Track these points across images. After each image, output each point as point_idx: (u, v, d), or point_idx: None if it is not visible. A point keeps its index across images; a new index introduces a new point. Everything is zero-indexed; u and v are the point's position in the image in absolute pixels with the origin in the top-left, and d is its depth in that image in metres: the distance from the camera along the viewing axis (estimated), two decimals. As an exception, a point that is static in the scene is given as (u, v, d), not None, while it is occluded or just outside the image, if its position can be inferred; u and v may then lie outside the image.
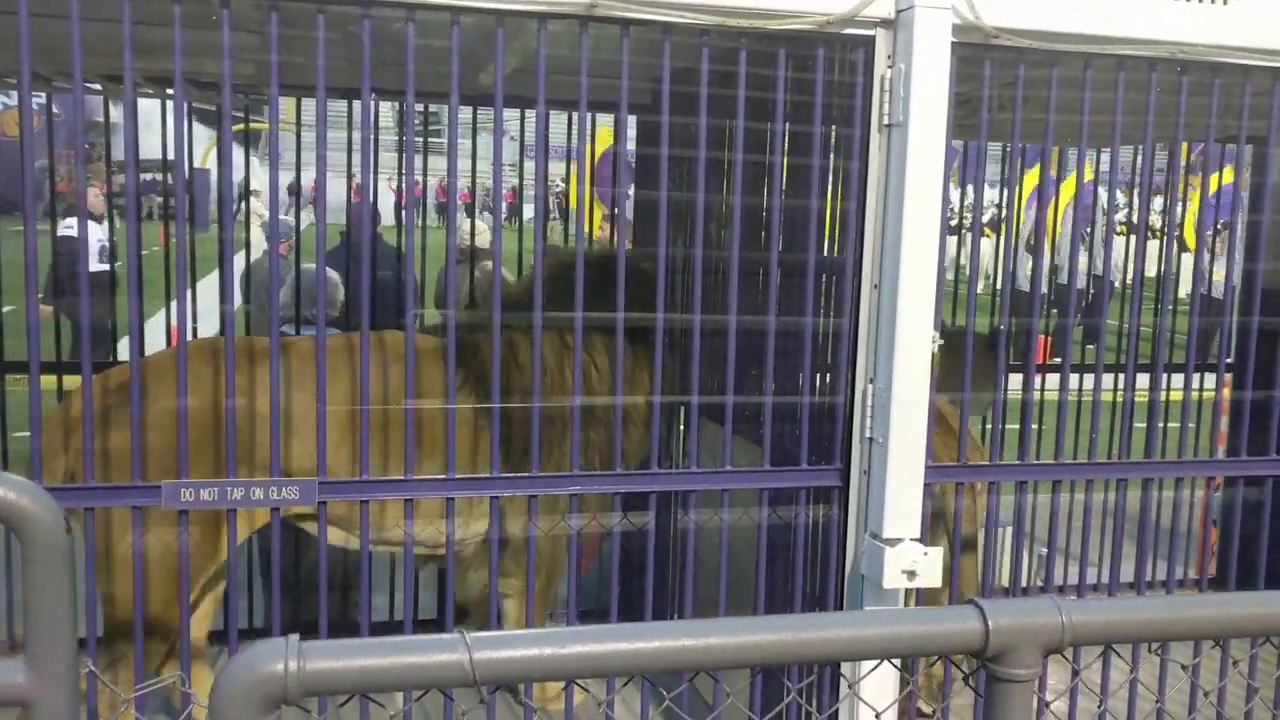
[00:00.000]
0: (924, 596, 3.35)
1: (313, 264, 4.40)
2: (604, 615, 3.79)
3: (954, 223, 5.69)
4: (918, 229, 2.94)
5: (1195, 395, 3.58)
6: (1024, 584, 4.45)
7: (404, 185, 2.98)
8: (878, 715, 2.08)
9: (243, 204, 7.61)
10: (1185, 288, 11.21)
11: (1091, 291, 8.51)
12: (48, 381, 3.84)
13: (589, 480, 3.11)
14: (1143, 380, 3.59)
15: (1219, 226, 9.22)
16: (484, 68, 3.92)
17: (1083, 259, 6.46)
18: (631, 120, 4.24)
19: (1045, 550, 3.62)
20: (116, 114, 4.64)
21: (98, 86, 4.44)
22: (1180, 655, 3.51)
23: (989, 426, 3.96)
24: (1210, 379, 4.99)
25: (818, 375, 3.33)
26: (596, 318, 3.06)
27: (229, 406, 2.88)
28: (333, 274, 5.60)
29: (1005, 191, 3.54)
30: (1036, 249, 3.51)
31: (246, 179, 5.62)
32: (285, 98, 4.35)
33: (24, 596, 1.45)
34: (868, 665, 1.91)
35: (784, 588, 3.33)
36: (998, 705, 1.60)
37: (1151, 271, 5.47)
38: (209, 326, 6.61)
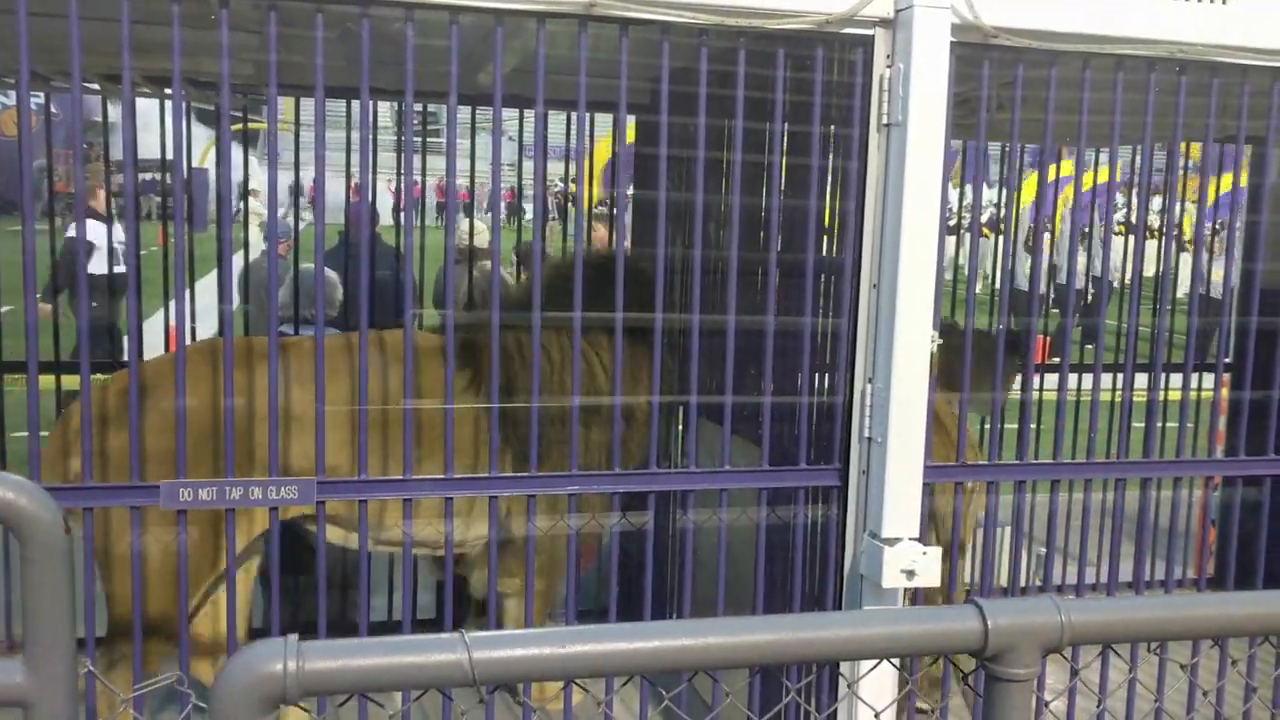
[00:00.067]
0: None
1: (311, 264, 4.41)
2: (603, 615, 3.79)
3: (952, 223, 5.70)
4: (916, 229, 2.94)
5: (1194, 395, 3.57)
6: (1023, 584, 4.45)
7: (402, 185, 2.97)
8: (877, 715, 2.08)
9: (241, 204, 7.61)
10: (1185, 288, 11.23)
11: (1091, 291, 8.52)
12: (46, 381, 3.84)
13: (588, 480, 3.11)
14: (1141, 380, 3.59)
15: (1217, 226, 9.23)
16: (483, 67, 3.92)
17: (1083, 259, 6.47)
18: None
19: (1044, 550, 3.62)
20: (115, 113, 4.64)
21: (96, 86, 4.44)
22: (1179, 655, 3.51)
23: (988, 426, 3.97)
24: (1209, 379, 4.99)
25: (817, 375, 3.33)
26: (601, 318, 3.06)
27: (228, 406, 2.88)
28: (331, 274, 5.60)
29: (1005, 191, 3.54)
30: (1035, 249, 3.51)
31: (246, 179, 5.62)
32: (284, 97, 4.35)
33: (22, 596, 1.44)
34: (867, 665, 1.91)
35: (783, 587, 3.33)
36: (997, 705, 1.60)
37: (1150, 271, 5.48)
38: (208, 326, 6.61)
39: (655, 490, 3.13)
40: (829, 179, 3.23)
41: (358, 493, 2.98)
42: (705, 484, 3.14)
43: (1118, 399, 3.52)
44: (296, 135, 5.00)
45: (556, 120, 4.56)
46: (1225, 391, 4.78)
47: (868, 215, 3.06)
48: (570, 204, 5.90)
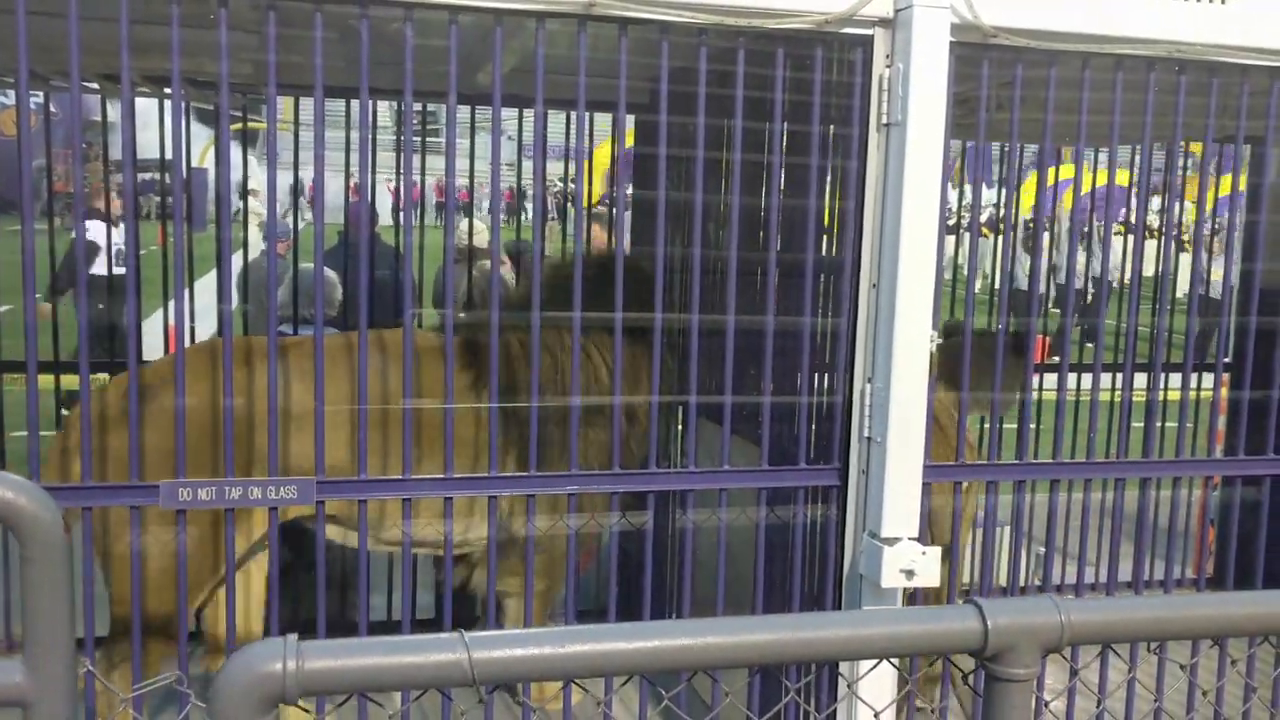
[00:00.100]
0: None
1: (310, 264, 4.41)
2: (602, 615, 3.79)
3: (952, 222, 5.70)
4: (916, 228, 2.94)
5: (1193, 395, 3.58)
6: (1022, 583, 4.45)
7: (402, 185, 2.97)
8: (876, 715, 2.08)
9: (241, 204, 7.61)
10: (1185, 288, 11.22)
11: (1091, 291, 8.52)
12: (45, 381, 3.84)
13: (587, 480, 3.11)
14: (1140, 380, 3.59)
15: (1215, 226, 9.22)
16: (482, 67, 3.92)
17: (1085, 259, 6.47)
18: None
19: (1043, 550, 3.62)
20: (114, 113, 4.64)
21: (95, 85, 4.44)
22: (1178, 655, 3.51)
23: (987, 426, 3.96)
24: (1208, 378, 4.99)
25: (816, 375, 3.33)
26: (604, 318, 3.06)
27: (227, 406, 2.88)
28: (330, 273, 5.60)
29: (1004, 191, 3.55)
30: (1034, 248, 3.51)
31: (245, 178, 5.62)
32: (283, 97, 4.35)
33: (22, 596, 1.44)
34: (866, 665, 1.91)
35: (782, 587, 3.33)
36: (996, 704, 1.60)
37: (1150, 271, 5.47)
38: (207, 326, 6.61)
39: (655, 490, 3.13)
40: (828, 179, 3.23)
41: (357, 492, 2.98)
42: (705, 484, 3.14)
43: (1117, 399, 3.53)
44: (296, 135, 5.00)
45: (556, 120, 4.56)
46: (1224, 391, 4.78)
47: (867, 215, 3.07)
48: (569, 203, 5.90)
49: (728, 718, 3.81)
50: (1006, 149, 3.79)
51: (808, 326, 3.21)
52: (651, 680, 1.70)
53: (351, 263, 5.76)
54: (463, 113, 4.85)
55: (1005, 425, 3.54)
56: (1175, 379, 3.68)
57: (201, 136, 9.46)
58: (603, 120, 4.71)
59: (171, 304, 4.38)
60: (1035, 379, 3.60)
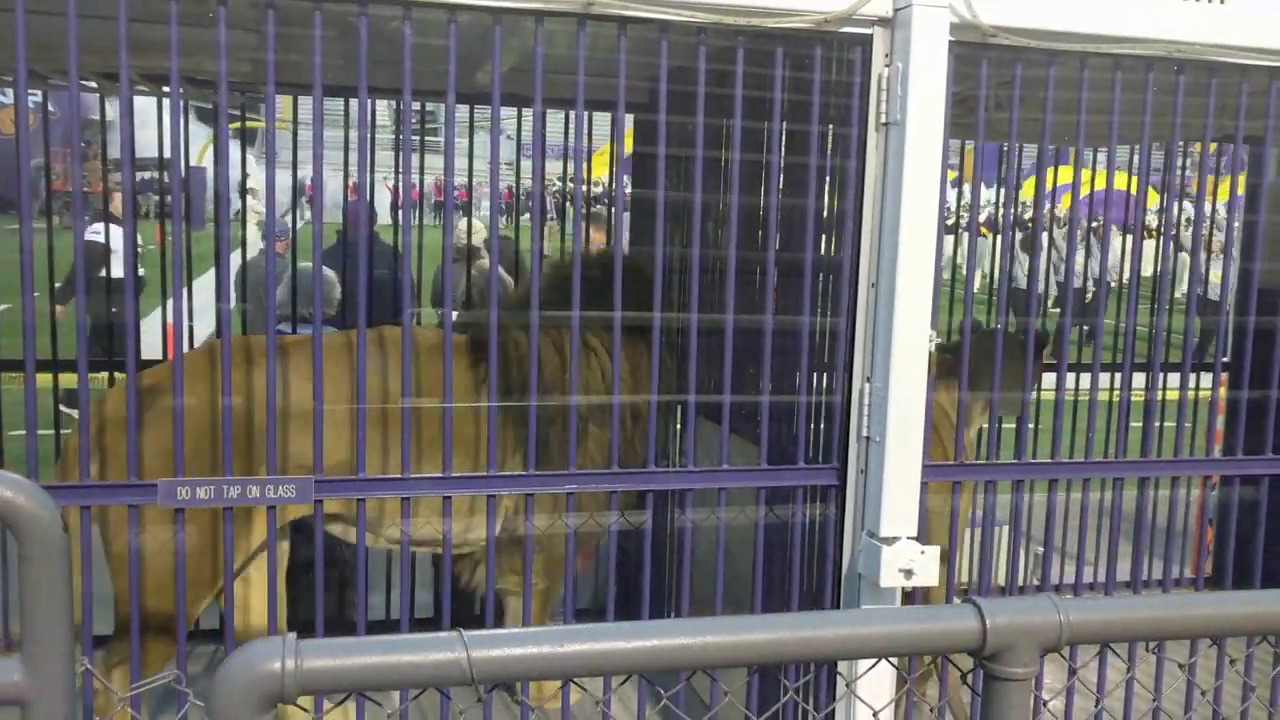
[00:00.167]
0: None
1: (309, 262, 4.41)
2: (601, 614, 3.79)
3: (951, 222, 5.70)
4: (915, 228, 2.94)
5: (1191, 394, 3.58)
6: (1020, 583, 4.46)
7: (401, 184, 2.98)
8: (875, 714, 2.08)
9: (240, 202, 7.62)
10: (1184, 287, 11.22)
11: (1090, 290, 8.52)
12: (44, 380, 3.83)
13: (585, 479, 3.11)
14: (1139, 379, 3.59)
15: (1214, 226, 9.22)
16: (481, 66, 3.92)
17: (1091, 260, 6.46)
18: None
19: (1042, 549, 3.62)
20: (113, 112, 4.64)
21: (94, 84, 4.44)
22: (1177, 654, 3.52)
23: (985, 425, 3.96)
24: (1207, 378, 5.00)
25: (815, 374, 3.33)
26: (607, 318, 3.06)
27: (225, 405, 2.87)
28: (329, 272, 5.60)
29: (1003, 191, 3.55)
30: (1034, 248, 3.51)
31: (244, 177, 5.63)
32: (282, 96, 4.35)
33: (20, 595, 1.44)
34: (865, 664, 1.91)
35: (781, 586, 3.33)
36: (995, 704, 1.60)
37: (1149, 271, 5.47)
38: (205, 325, 6.61)
39: (654, 489, 3.13)
40: (827, 178, 3.23)
41: (356, 491, 2.98)
42: (703, 483, 3.14)
43: (1116, 398, 3.53)
44: (295, 134, 5.00)
45: (555, 119, 4.56)
46: (1223, 391, 4.78)
47: (866, 214, 3.06)
48: (568, 202, 5.89)
49: (726, 717, 3.81)
50: (1005, 149, 3.79)
51: (807, 326, 3.21)
52: (650, 679, 1.70)
53: (350, 261, 5.76)
54: (461, 112, 4.85)
55: (1003, 425, 3.54)
56: (1174, 379, 3.69)
57: (200, 135, 9.47)
58: (602, 119, 4.72)
59: (170, 303, 4.38)
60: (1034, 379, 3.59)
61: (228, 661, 1.36)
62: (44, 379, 4.13)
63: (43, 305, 3.35)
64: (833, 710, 3.22)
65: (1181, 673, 3.41)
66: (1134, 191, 3.71)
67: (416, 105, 5.14)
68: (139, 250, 8.89)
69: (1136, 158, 3.95)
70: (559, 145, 4.82)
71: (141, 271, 8.80)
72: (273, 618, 3.05)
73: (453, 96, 2.85)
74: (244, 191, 6.21)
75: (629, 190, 5.06)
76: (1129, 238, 4.62)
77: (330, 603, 4.66)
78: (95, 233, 7.96)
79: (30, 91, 3.30)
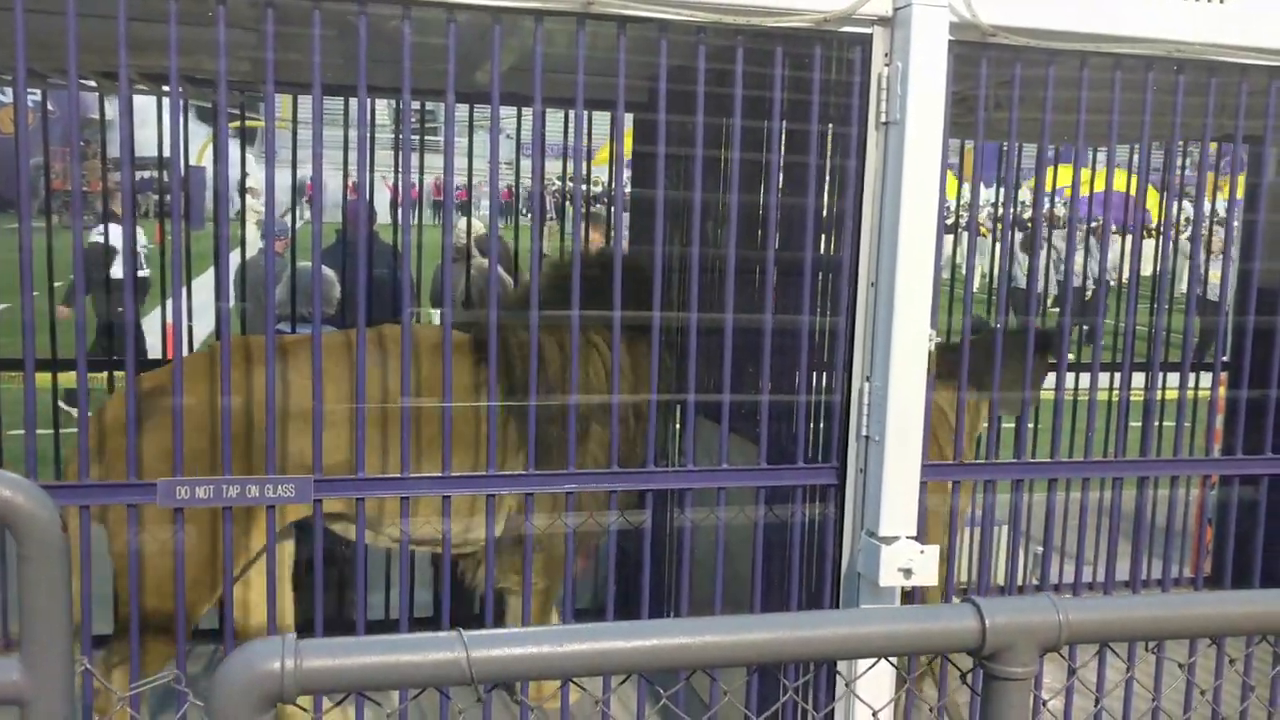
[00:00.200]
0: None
1: (308, 262, 4.41)
2: (600, 614, 3.79)
3: (950, 222, 5.69)
4: (914, 227, 2.94)
5: (1191, 394, 3.58)
6: (1020, 582, 4.46)
7: (400, 183, 2.97)
8: (875, 714, 2.08)
9: (239, 201, 7.63)
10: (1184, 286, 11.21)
11: (1090, 289, 8.51)
12: (43, 380, 3.83)
13: (585, 478, 3.11)
14: (1138, 379, 3.59)
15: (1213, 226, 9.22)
16: (480, 65, 3.92)
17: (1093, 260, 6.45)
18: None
19: (1041, 549, 3.63)
20: (112, 111, 4.63)
21: (93, 83, 4.44)
22: (1176, 654, 3.52)
23: (985, 425, 3.96)
24: (1206, 378, 5.00)
25: (814, 373, 3.33)
26: (610, 317, 3.06)
27: (225, 405, 2.87)
28: (328, 272, 5.61)
29: (1002, 191, 3.55)
30: (1033, 248, 3.51)
31: (243, 176, 5.63)
32: (281, 95, 4.34)
33: (19, 594, 1.44)
34: (864, 664, 1.91)
35: (780, 586, 3.33)
36: (994, 703, 1.60)
37: (1148, 270, 5.47)
38: (204, 324, 6.60)
39: (653, 489, 3.13)
40: (827, 177, 3.23)
41: (355, 491, 2.98)
42: (703, 482, 3.14)
43: (1115, 398, 3.53)
44: (294, 133, 5.00)
45: (554, 118, 4.56)
46: (1222, 390, 4.78)
47: (866, 213, 3.06)
48: (567, 202, 5.89)
49: (726, 716, 3.81)
50: (1005, 148, 3.79)
51: (806, 325, 3.21)
52: (650, 679, 1.70)
53: (349, 261, 5.76)
54: (461, 111, 4.85)
55: (1003, 424, 3.54)
56: (1173, 378, 3.69)
57: (199, 134, 9.47)
58: (601, 119, 4.72)
59: (169, 302, 4.38)
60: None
61: (227, 661, 1.36)
62: (51, 379, 4.13)
63: (42, 304, 3.35)
64: (832, 710, 3.22)
65: (1181, 672, 3.41)
66: (1133, 193, 3.71)
67: (416, 104, 5.14)
68: (145, 250, 8.91)
69: (1136, 157, 3.95)
70: (558, 145, 4.82)
71: (145, 271, 8.81)
72: (271, 617, 3.05)
73: (452, 96, 2.85)
74: (243, 191, 6.21)
75: (628, 190, 5.06)
76: (1129, 238, 4.62)
77: (336, 602, 4.68)
78: (100, 234, 7.97)
79: (29, 90, 3.30)
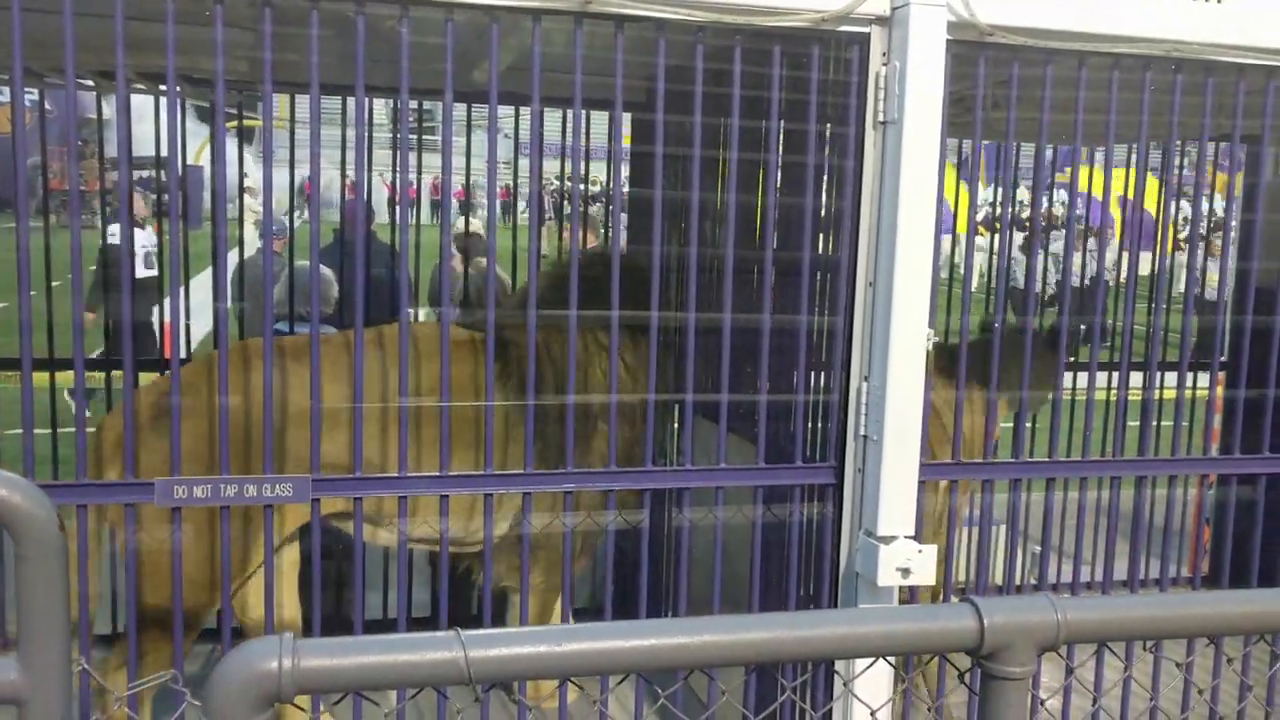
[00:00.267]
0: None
1: (305, 261, 4.40)
2: (598, 613, 3.79)
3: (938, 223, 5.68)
4: (912, 227, 2.94)
5: (1189, 393, 3.58)
6: (1018, 582, 4.47)
7: (398, 182, 2.98)
8: (873, 713, 2.08)
9: (238, 200, 7.62)
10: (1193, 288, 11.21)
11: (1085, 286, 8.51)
12: (41, 379, 3.83)
13: (583, 478, 3.11)
14: (1136, 378, 3.59)
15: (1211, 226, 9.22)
16: (478, 65, 3.92)
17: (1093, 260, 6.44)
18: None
19: (1039, 548, 3.63)
20: (110, 110, 4.63)
21: (90, 83, 4.43)
22: (1174, 653, 3.52)
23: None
24: (1204, 377, 5.00)
25: (812, 373, 3.33)
26: (614, 317, 3.06)
27: (222, 405, 2.87)
28: (326, 271, 5.60)
29: (1000, 190, 3.55)
30: (1031, 248, 3.51)
31: (241, 176, 5.63)
32: (279, 94, 4.34)
33: (17, 594, 1.44)
34: (862, 663, 1.91)
35: (778, 585, 3.33)
36: (992, 703, 1.60)
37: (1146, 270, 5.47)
38: (202, 324, 6.60)
39: (651, 488, 3.13)
40: (825, 177, 3.23)
41: (353, 490, 2.98)
42: (701, 482, 3.14)
43: (1113, 397, 3.53)
44: (292, 133, 4.99)
45: (553, 118, 4.56)
46: (1220, 390, 4.79)
47: (863, 213, 3.06)
48: (565, 201, 5.89)
49: (724, 716, 3.81)
50: (1001, 148, 3.79)
51: (804, 325, 3.21)
52: (648, 679, 1.70)
53: (347, 260, 5.76)
54: (459, 110, 4.85)
55: (1001, 424, 3.54)
56: (1171, 378, 3.69)
57: (197, 134, 9.45)
58: (600, 118, 4.72)
59: (167, 301, 4.38)
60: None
61: (224, 660, 1.36)
62: (63, 378, 4.13)
63: (39, 304, 3.35)
64: (830, 709, 3.22)
65: (1179, 672, 3.41)
66: (1131, 195, 3.71)
67: (414, 104, 5.14)
68: (147, 249, 8.92)
69: (1135, 157, 3.95)
70: (557, 144, 4.82)
71: (154, 270, 8.81)
72: (270, 616, 3.05)
73: (450, 95, 2.85)
74: (242, 190, 6.21)
75: (626, 189, 5.05)
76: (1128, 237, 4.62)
77: (335, 602, 4.68)
78: (114, 235, 7.97)
79: (27, 90, 3.29)
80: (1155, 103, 3.26)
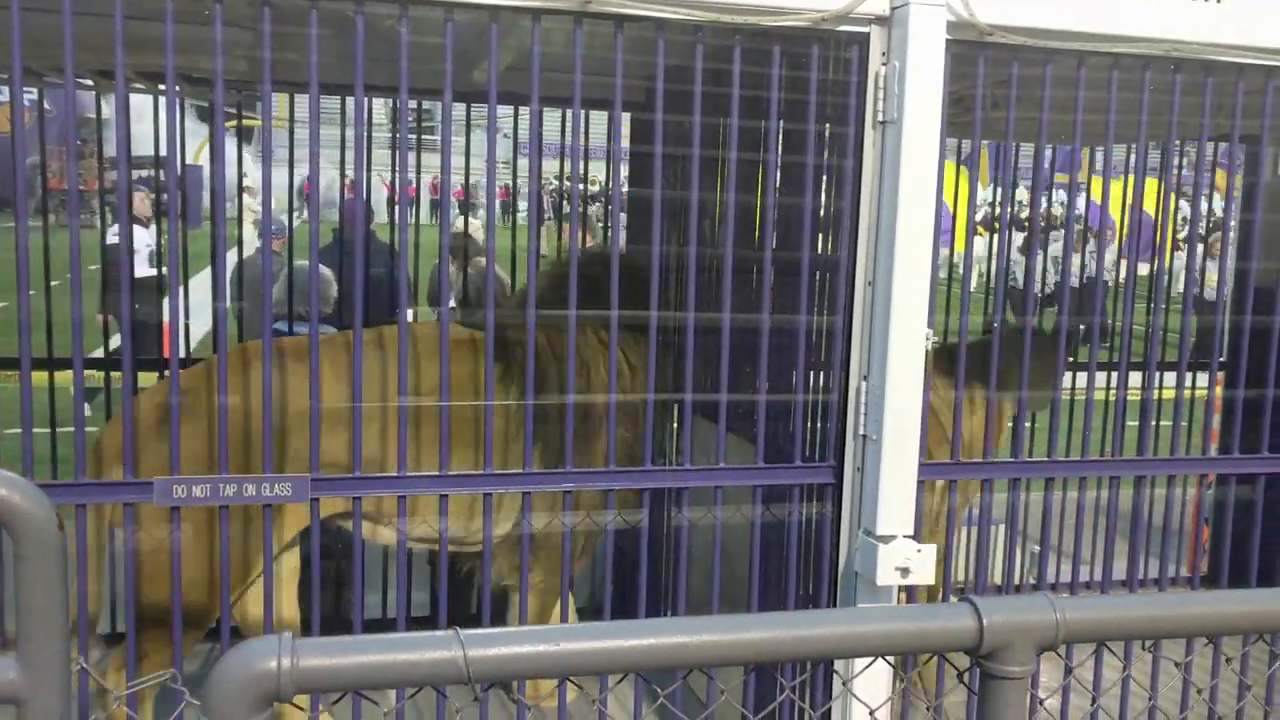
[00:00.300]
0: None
1: (304, 261, 4.40)
2: (598, 613, 3.79)
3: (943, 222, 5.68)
4: (911, 226, 2.94)
5: (1188, 393, 3.58)
6: (1017, 581, 4.47)
7: (397, 182, 2.98)
8: (872, 713, 2.08)
9: (237, 200, 7.62)
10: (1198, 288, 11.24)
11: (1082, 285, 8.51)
12: (40, 378, 3.83)
13: (582, 477, 3.11)
14: (1135, 378, 3.60)
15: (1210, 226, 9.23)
16: (478, 64, 3.92)
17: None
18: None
19: (1038, 548, 3.63)
20: (109, 110, 4.63)
21: (90, 82, 4.43)
22: (1173, 652, 3.52)
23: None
24: (1203, 377, 5.00)
25: (811, 372, 3.33)
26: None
27: (221, 404, 2.87)
28: (325, 271, 5.60)
29: (999, 190, 3.55)
30: (1030, 249, 3.51)
31: (240, 175, 5.62)
32: (278, 94, 4.34)
33: (16, 593, 1.44)
34: (861, 663, 1.91)
35: (777, 585, 3.33)
36: (991, 702, 1.60)
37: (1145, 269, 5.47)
38: (201, 323, 6.60)
39: (650, 488, 3.13)
40: (824, 176, 3.23)
41: (351, 490, 2.97)
42: (700, 481, 3.14)
43: (1112, 397, 3.53)
44: (291, 132, 4.99)
45: (552, 117, 4.56)
46: (1219, 389, 4.79)
47: (862, 213, 3.07)
48: (565, 201, 5.89)
49: (723, 715, 3.81)
50: (1001, 147, 3.80)
51: (803, 324, 3.21)
52: (647, 678, 1.70)
53: (346, 260, 5.76)
54: (458, 110, 4.85)
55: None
56: (1170, 378, 3.69)
57: (196, 134, 9.44)
58: (599, 118, 4.72)
59: (165, 300, 4.38)
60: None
61: (223, 660, 1.36)
62: (63, 377, 4.12)
63: (38, 303, 3.35)
64: (829, 709, 3.22)
65: (1178, 671, 3.42)
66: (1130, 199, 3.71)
67: (413, 104, 5.14)
68: (150, 248, 8.93)
69: (1134, 157, 3.95)
70: (556, 144, 4.82)
71: (165, 269, 8.81)
72: (269, 615, 3.05)
73: (449, 95, 2.85)
74: (241, 190, 6.21)
75: (626, 189, 5.05)
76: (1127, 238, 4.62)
77: (347, 601, 4.68)
78: (116, 235, 7.97)
79: (26, 89, 3.29)
80: (1154, 103, 3.26)
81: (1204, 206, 4.77)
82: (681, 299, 3.40)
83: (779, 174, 3.42)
